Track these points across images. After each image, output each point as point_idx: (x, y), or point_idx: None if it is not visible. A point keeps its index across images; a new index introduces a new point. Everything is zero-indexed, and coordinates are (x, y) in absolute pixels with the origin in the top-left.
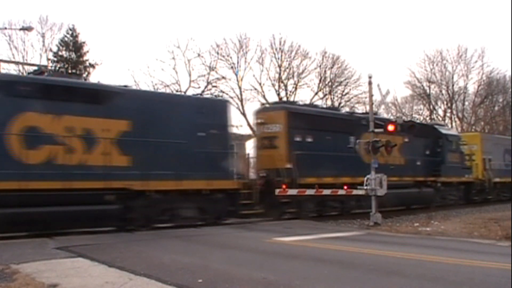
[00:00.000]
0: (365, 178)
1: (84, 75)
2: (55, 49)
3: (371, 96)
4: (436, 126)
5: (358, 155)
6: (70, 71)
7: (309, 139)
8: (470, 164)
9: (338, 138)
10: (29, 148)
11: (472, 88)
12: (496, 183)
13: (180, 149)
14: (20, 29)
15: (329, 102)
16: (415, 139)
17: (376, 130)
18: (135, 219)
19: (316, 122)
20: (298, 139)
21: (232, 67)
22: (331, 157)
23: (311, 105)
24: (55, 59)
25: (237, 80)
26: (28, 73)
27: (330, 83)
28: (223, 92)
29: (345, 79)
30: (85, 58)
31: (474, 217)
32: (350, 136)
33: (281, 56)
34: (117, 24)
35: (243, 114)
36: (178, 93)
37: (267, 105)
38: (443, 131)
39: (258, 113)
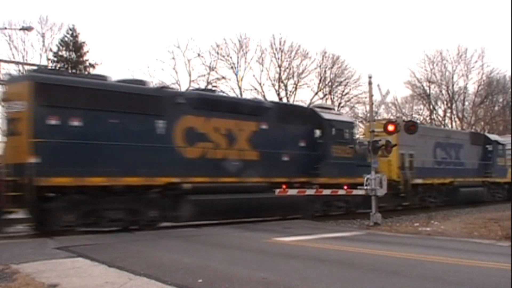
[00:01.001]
0: (365, 178)
1: None
2: (55, 49)
3: (371, 96)
4: (317, 110)
5: (172, 146)
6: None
7: (76, 123)
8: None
9: (134, 122)
10: None
11: (472, 88)
12: (418, 186)
13: None
14: (20, 29)
15: (329, 102)
16: (280, 126)
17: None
18: None
19: (89, 98)
20: (53, 122)
21: (232, 67)
22: (113, 148)
23: (89, 75)
24: (55, 59)
25: (237, 80)
26: None
27: (330, 83)
28: (223, 92)
29: (345, 79)
30: (85, 58)
31: (474, 217)
32: (158, 120)
33: (281, 56)
34: (117, 24)
35: None
36: None
37: (14, 75)
38: (327, 116)
39: (4, 86)
